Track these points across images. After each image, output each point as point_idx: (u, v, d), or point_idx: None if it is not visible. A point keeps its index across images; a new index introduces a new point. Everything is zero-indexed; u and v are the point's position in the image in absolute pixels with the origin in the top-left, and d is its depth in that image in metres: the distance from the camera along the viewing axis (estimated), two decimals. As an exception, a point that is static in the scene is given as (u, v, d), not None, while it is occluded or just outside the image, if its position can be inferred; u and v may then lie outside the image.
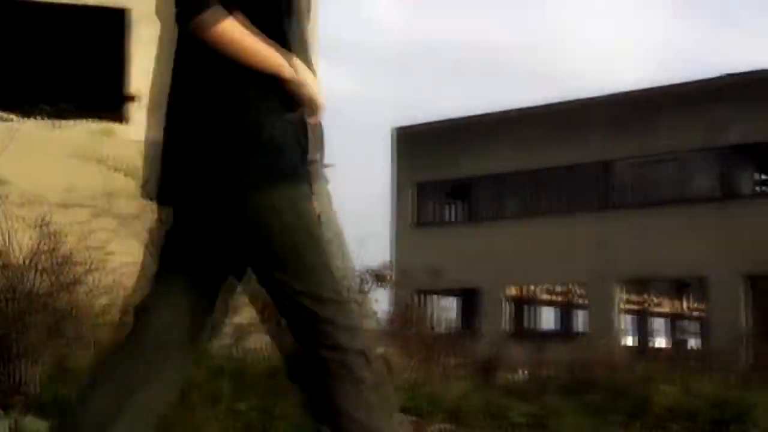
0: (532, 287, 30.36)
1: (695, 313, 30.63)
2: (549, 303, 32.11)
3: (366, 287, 7.90)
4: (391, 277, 10.09)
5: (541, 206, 28.04)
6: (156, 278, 2.15)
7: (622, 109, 26.25)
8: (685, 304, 32.43)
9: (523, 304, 30.75)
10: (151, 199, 2.17)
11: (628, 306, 29.03)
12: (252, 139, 2.00)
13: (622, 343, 25.24)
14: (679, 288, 31.31)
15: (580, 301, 29.61)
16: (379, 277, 8.63)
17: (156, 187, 2.11)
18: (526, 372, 12.16)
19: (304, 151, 2.10)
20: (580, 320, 30.17)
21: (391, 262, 13.64)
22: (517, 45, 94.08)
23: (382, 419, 2.05)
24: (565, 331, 30.12)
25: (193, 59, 2.06)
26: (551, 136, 26.68)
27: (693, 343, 29.52)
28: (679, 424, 6.24)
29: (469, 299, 28.42)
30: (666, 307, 33.02)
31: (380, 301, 10.23)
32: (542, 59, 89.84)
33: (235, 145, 2.00)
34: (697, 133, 24.87)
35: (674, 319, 33.55)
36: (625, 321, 29.11)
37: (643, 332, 31.37)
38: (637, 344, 29.54)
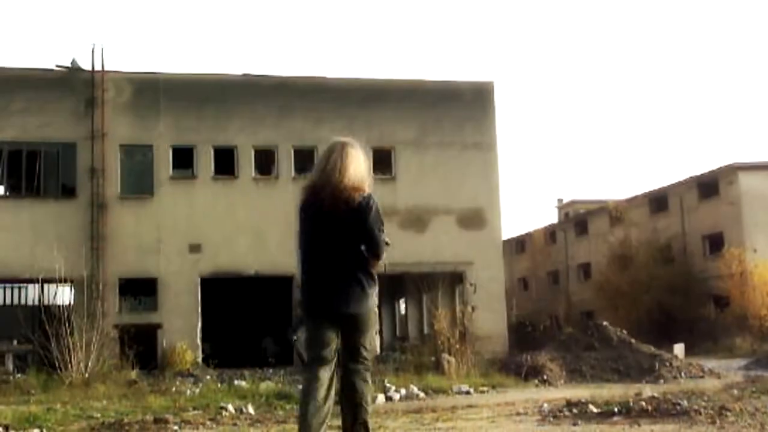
0: None
1: None
2: None
3: None
4: None
5: None
6: (318, 344, 5.41)
7: None
8: None
9: None
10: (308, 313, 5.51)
11: None
12: (365, 292, 5.42)
13: None
14: None
15: None
16: None
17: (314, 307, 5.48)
18: None
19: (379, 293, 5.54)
20: None
21: None
22: None
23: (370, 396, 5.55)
24: None
25: (345, 256, 5.36)
26: None
27: None
28: None
29: None
30: None
31: None
32: None
33: (360, 295, 5.40)
34: None
35: None
36: None
37: None
38: None
